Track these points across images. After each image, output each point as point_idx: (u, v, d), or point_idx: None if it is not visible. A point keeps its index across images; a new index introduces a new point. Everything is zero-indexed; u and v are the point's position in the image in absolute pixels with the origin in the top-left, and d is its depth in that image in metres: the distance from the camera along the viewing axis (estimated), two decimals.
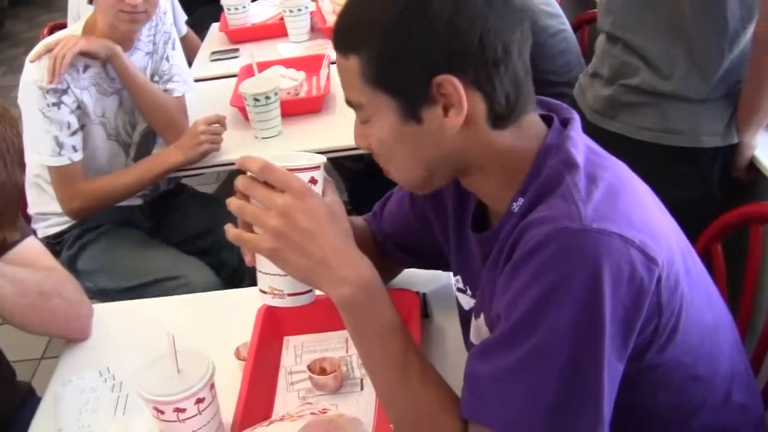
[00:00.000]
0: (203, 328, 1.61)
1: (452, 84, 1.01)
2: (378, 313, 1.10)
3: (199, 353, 1.26)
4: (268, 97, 2.36)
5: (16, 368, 1.78)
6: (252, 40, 3.17)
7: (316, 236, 1.06)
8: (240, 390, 1.34)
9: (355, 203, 3.02)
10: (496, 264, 1.10)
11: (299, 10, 3.11)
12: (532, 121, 1.10)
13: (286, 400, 1.42)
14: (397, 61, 1.02)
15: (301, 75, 2.69)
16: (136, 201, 2.46)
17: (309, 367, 1.43)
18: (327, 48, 2.98)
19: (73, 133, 2.18)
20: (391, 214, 1.47)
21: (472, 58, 1.01)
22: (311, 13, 3.19)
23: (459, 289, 1.35)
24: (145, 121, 2.38)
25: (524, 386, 0.99)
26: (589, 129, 1.96)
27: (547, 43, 2.49)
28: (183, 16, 3.31)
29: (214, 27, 3.47)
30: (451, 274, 1.37)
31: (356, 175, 3.21)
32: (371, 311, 1.10)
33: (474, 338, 1.26)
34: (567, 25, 2.60)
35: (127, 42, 2.26)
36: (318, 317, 1.49)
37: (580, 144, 1.08)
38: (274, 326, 1.52)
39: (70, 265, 2.34)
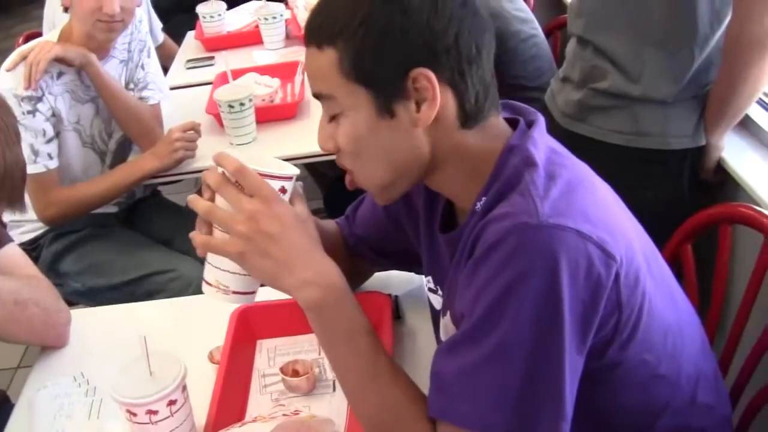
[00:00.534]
0: (177, 333, 1.62)
1: (428, 78, 1.03)
2: (344, 314, 1.11)
3: (171, 356, 1.27)
4: (242, 104, 2.37)
5: None
6: (227, 47, 3.18)
7: (281, 240, 1.07)
8: (213, 392, 1.35)
9: (330, 209, 3.03)
10: (459, 262, 1.11)
11: (274, 18, 3.13)
12: (496, 123, 1.12)
13: (259, 402, 1.43)
14: (377, 54, 1.03)
15: (275, 82, 2.70)
16: (111, 209, 2.46)
17: (282, 370, 1.44)
18: (302, 55, 2.97)
19: (49, 141, 2.18)
20: (363, 218, 1.49)
21: (448, 54, 1.03)
22: (286, 21, 3.20)
23: (430, 290, 1.36)
24: (120, 129, 2.38)
25: (489, 382, 1.00)
26: (560, 133, 2.01)
27: (518, 48, 2.52)
28: (159, 24, 3.32)
29: (190, 35, 3.47)
30: (423, 276, 1.39)
31: (332, 181, 3.22)
32: (337, 313, 1.11)
33: (444, 337, 1.28)
34: (539, 31, 2.63)
35: (103, 51, 2.26)
36: (291, 321, 1.49)
37: (541, 143, 1.10)
38: (247, 330, 1.53)
39: (51, 269, 2.34)
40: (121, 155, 2.46)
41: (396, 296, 1.57)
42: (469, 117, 1.08)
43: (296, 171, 1.13)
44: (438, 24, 1.02)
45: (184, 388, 1.25)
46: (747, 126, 2.05)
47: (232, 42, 3.28)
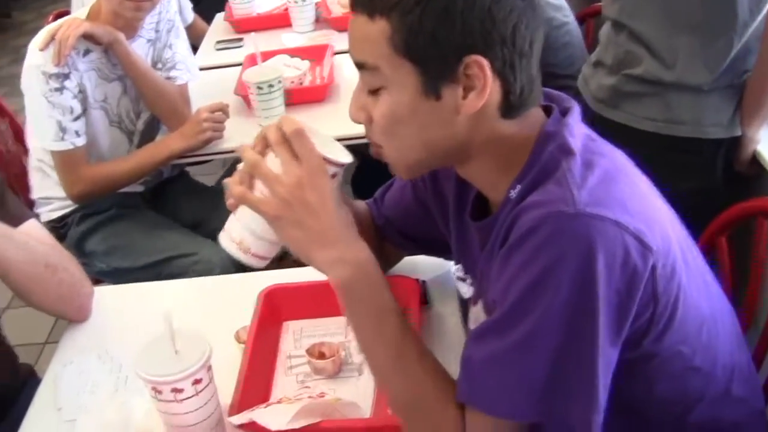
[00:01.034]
0: (204, 312, 1.62)
1: (481, 66, 1.00)
2: (374, 294, 1.10)
3: (197, 335, 1.26)
4: (271, 86, 2.35)
5: (20, 352, 1.79)
6: (257, 29, 3.16)
7: (319, 213, 1.05)
8: (239, 373, 1.34)
9: (358, 193, 3.01)
10: (492, 250, 1.10)
11: (304, 0, 3.11)
12: (534, 112, 1.10)
13: (284, 383, 1.42)
14: (433, 34, 0.99)
15: (305, 64, 2.69)
16: (138, 188, 2.46)
17: (308, 352, 1.43)
18: (331, 38, 2.98)
19: (76, 118, 2.18)
20: (392, 200, 1.47)
21: (503, 44, 1.00)
22: (316, 3, 3.18)
23: (459, 278, 1.35)
24: (148, 108, 2.38)
25: (519, 370, 0.99)
26: (593, 119, 1.99)
27: (551, 35, 2.48)
28: (189, 4, 3.31)
29: (219, 16, 3.46)
30: (452, 262, 1.37)
31: (359, 164, 3.20)
32: (367, 292, 1.10)
33: (473, 326, 1.25)
34: (571, 18, 2.59)
35: (131, 30, 2.26)
36: (317, 303, 1.49)
37: (578, 131, 1.07)
38: (274, 311, 1.52)
39: (77, 248, 2.35)
40: (149, 135, 2.45)
41: (424, 281, 1.56)
42: (511, 108, 1.06)
43: (350, 159, 1.12)
44: (499, 13, 0.98)
45: (210, 367, 1.24)
46: None
47: (262, 24, 3.26)
